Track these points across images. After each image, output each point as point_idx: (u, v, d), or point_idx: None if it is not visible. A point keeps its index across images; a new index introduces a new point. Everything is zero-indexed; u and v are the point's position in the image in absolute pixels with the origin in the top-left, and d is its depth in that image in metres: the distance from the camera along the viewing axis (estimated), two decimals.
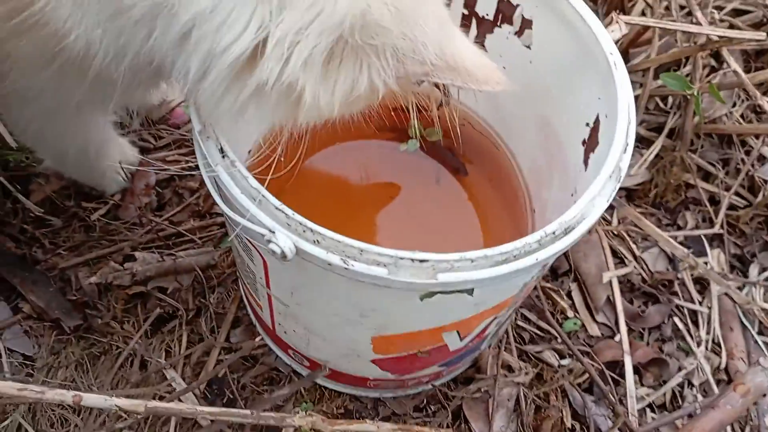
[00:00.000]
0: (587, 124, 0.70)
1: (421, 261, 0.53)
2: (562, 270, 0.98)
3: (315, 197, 0.89)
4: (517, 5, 0.73)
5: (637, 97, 0.97)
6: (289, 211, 0.53)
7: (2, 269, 0.87)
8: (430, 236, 0.88)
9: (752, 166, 1.01)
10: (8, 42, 0.53)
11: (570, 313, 0.96)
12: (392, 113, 0.68)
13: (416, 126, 0.61)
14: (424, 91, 0.59)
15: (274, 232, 0.53)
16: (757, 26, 0.99)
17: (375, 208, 0.86)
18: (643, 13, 0.99)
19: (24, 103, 0.66)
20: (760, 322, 0.95)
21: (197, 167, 0.59)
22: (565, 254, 0.99)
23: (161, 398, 0.79)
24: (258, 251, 0.63)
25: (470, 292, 0.57)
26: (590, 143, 0.69)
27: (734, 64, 0.77)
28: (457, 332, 0.69)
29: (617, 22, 0.69)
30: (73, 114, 0.69)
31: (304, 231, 0.53)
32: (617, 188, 0.59)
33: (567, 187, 0.74)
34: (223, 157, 0.55)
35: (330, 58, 0.48)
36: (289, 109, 0.51)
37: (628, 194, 1.04)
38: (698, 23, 0.77)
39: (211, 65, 0.49)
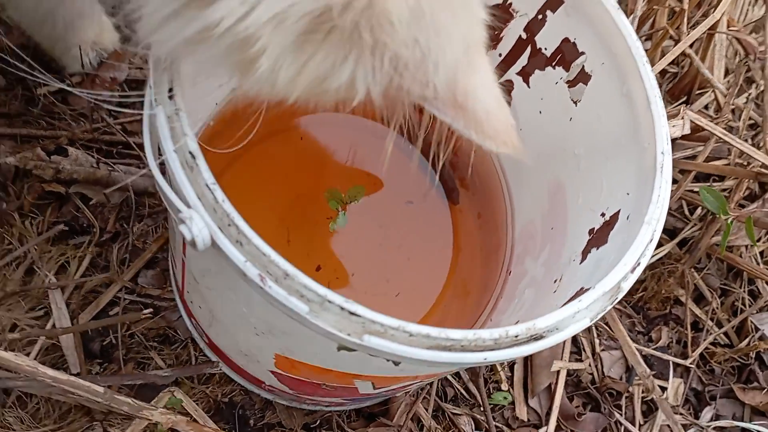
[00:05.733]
0: (602, 214, 0.59)
1: (351, 313, 0.42)
2: None
3: (286, 160, 0.79)
4: (582, 53, 0.62)
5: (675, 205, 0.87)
6: (220, 195, 0.42)
7: None
8: (394, 249, 0.79)
9: (750, 308, 0.92)
10: None
11: (504, 386, 0.87)
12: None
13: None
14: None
15: (191, 213, 0.42)
16: None
17: (347, 195, 0.76)
18: (706, 107, 0.88)
19: None
20: None
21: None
22: None
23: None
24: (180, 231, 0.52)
25: (396, 363, 0.47)
26: (598, 237, 0.59)
27: None
28: (371, 383, 0.59)
29: (683, 117, 0.58)
30: None
31: (228, 225, 0.42)
32: (608, 310, 0.49)
33: (554, 270, 0.64)
34: (171, 98, 0.44)
35: (311, 28, 0.36)
36: (236, 68, 0.39)
37: None
38: (765, 148, 0.67)
39: None
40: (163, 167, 0.45)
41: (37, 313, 0.73)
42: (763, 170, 0.71)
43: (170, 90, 0.44)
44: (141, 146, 0.83)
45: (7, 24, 0.82)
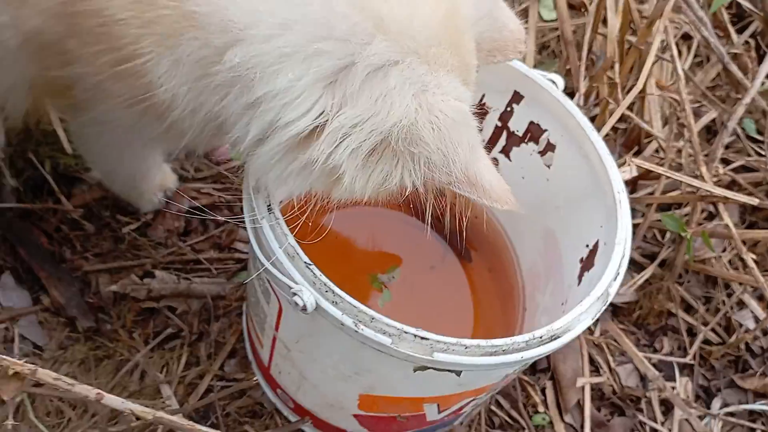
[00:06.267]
0: (587, 246, 0.78)
1: (422, 338, 0.60)
2: (541, 367, 1.05)
3: (322, 254, 0.96)
4: (546, 130, 0.82)
5: (637, 225, 1.06)
6: (317, 272, 0.61)
7: (33, 261, 0.94)
8: (424, 311, 0.95)
9: (731, 308, 1.09)
10: (107, 82, 0.61)
11: (541, 408, 1.02)
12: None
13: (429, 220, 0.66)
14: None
15: (300, 287, 0.60)
16: (756, 185, 1.09)
17: (387, 275, 0.93)
18: (656, 151, 1.08)
19: (99, 133, 0.75)
20: None
21: (241, 217, 0.66)
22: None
23: None
24: (278, 298, 0.70)
25: (458, 373, 0.64)
26: (587, 263, 0.77)
27: (727, 219, 0.85)
28: (437, 405, 0.75)
29: (630, 164, 0.78)
30: (138, 146, 0.77)
31: (326, 291, 0.60)
32: (602, 310, 0.67)
33: (559, 296, 0.82)
34: (270, 212, 0.64)
35: (372, 152, 0.56)
36: (327, 186, 0.59)
37: (615, 311, 1.12)
38: (701, 177, 0.87)
39: (271, 135, 0.56)
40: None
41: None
42: (706, 193, 0.90)
43: (269, 206, 0.63)
44: (209, 260, 1.03)
45: (88, 183, 1.02)
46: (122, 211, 1.03)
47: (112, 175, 0.95)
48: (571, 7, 1.25)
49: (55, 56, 0.62)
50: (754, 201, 0.83)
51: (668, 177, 0.87)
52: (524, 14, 1.41)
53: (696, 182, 0.88)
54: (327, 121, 0.54)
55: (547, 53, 1.37)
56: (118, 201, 1.03)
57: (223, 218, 0.95)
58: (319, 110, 0.54)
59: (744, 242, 0.92)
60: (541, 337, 0.63)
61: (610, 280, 0.68)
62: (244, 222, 0.66)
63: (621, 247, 0.69)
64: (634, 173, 0.78)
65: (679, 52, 1.26)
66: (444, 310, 0.97)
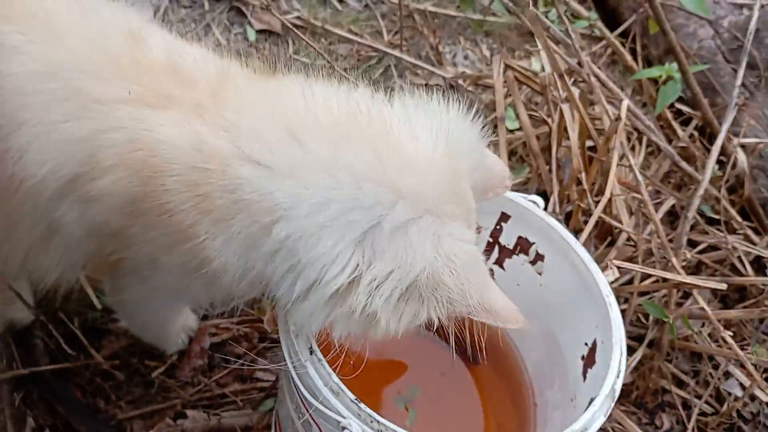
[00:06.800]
0: (586, 344, 0.87)
1: None
2: None
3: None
4: (533, 243, 0.93)
5: (623, 311, 1.16)
6: (363, 405, 0.68)
7: (71, 417, 0.99)
8: (441, 413, 1.02)
9: (719, 380, 1.18)
10: (164, 257, 0.70)
11: None
12: None
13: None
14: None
15: (349, 421, 0.68)
16: (721, 262, 1.22)
17: (410, 393, 1.00)
18: (628, 239, 1.20)
19: (139, 291, 0.82)
20: None
21: (280, 361, 0.74)
22: None
23: None
24: (320, 429, 0.77)
25: None
26: (588, 360, 0.86)
27: (702, 302, 0.96)
28: None
29: (611, 267, 0.89)
30: (176, 302, 0.85)
31: (371, 421, 0.68)
32: (612, 407, 0.75)
33: (567, 392, 0.90)
34: (311, 354, 0.72)
35: (402, 297, 0.65)
36: (365, 328, 0.67)
37: None
38: (673, 267, 0.98)
39: (311, 292, 0.66)
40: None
41: None
42: (680, 283, 1.01)
43: (310, 349, 0.71)
44: (234, 392, 1.09)
45: (115, 333, 1.09)
46: (149, 355, 1.09)
47: (143, 325, 1.02)
48: (530, 116, 1.41)
49: (116, 241, 0.71)
50: (723, 287, 0.94)
51: (644, 272, 0.98)
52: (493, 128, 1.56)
53: (669, 275, 0.99)
54: (361, 274, 0.64)
55: (516, 159, 1.52)
56: (145, 346, 1.09)
57: (266, 366, 1.02)
58: (353, 266, 0.64)
59: (719, 320, 1.02)
60: None
61: (614, 378, 0.77)
62: (285, 367, 0.74)
63: (618, 347, 0.79)
64: (617, 275, 0.89)
65: (633, 148, 1.41)
66: (457, 413, 1.04)
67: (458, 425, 1.03)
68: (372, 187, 0.62)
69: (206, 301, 0.82)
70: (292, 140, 0.65)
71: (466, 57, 1.82)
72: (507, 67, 1.28)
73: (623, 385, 1.21)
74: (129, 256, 0.73)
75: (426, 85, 1.69)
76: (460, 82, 1.69)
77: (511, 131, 1.52)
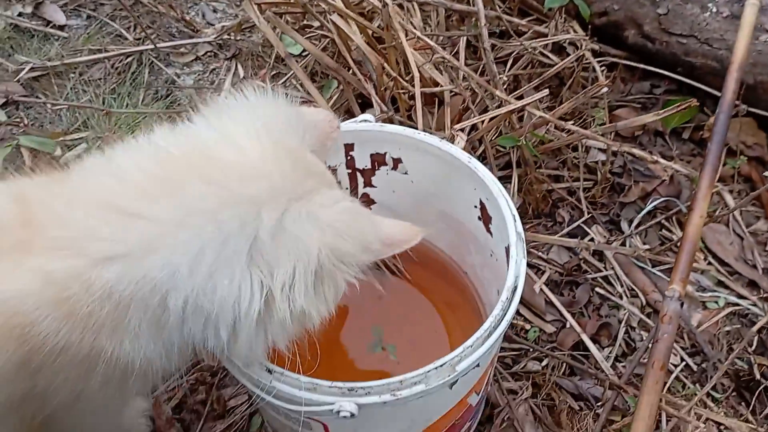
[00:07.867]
0: (476, 206, 0.94)
1: (441, 365, 0.73)
2: None
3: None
4: (385, 152, 0.97)
5: (483, 155, 1.25)
6: (340, 384, 0.72)
7: None
8: (409, 337, 1.08)
9: (583, 158, 1.32)
10: (84, 385, 0.68)
11: (527, 326, 1.20)
12: None
13: None
14: None
15: (337, 404, 0.71)
16: (532, 65, 1.32)
17: (351, 345, 1.04)
18: (464, 101, 1.27)
19: (91, 424, 0.80)
20: (649, 260, 1.25)
21: (248, 396, 0.76)
22: None
23: None
24: (319, 422, 0.80)
25: (478, 364, 0.79)
26: (485, 218, 0.94)
27: (539, 112, 1.05)
28: (476, 392, 0.90)
29: (457, 135, 0.95)
30: (120, 408, 0.83)
31: (357, 391, 0.72)
32: (525, 247, 0.83)
33: (484, 251, 0.99)
34: (271, 372, 0.74)
35: (317, 282, 0.67)
36: (302, 326, 0.70)
37: None
38: (500, 98, 1.06)
39: (238, 330, 0.66)
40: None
41: None
42: (512, 109, 1.10)
43: (268, 369, 0.73)
44: (223, 431, 1.09)
45: None
46: None
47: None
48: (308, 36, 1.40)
49: (32, 403, 0.67)
50: (545, 93, 1.04)
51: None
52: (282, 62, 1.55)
53: (502, 110, 1.07)
54: (271, 287, 0.65)
55: (319, 77, 1.52)
56: None
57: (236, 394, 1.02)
58: (259, 286, 0.65)
59: (559, 118, 1.13)
60: (507, 298, 0.79)
61: (513, 222, 0.84)
62: (258, 400, 0.75)
63: (502, 198, 0.86)
64: (463, 143, 0.96)
65: (410, 15, 1.46)
66: (420, 323, 1.11)
67: (428, 333, 1.09)
68: (229, 212, 0.62)
69: (149, 389, 0.81)
70: (130, 218, 0.62)
71: (214, 11, 1.75)
72: (259, 6, 1.26)
73: (518, 208, 1.34)
74: (51, 407, 0.70)
75: (197, 58, 1.63)
76: (226, 37, 1.65)
77: (299, 55, 1.52)
